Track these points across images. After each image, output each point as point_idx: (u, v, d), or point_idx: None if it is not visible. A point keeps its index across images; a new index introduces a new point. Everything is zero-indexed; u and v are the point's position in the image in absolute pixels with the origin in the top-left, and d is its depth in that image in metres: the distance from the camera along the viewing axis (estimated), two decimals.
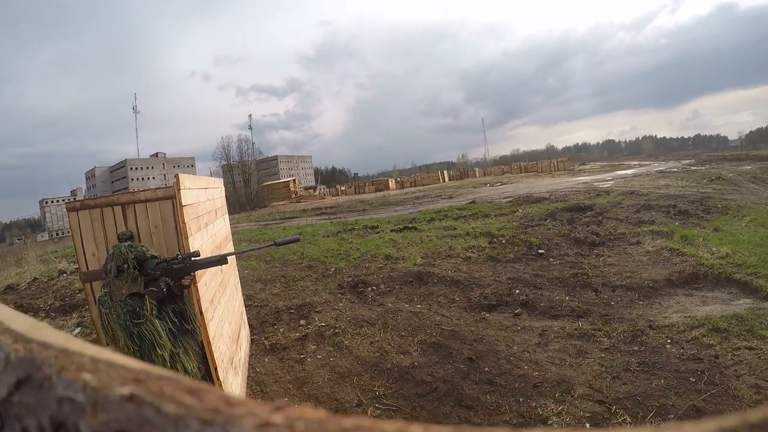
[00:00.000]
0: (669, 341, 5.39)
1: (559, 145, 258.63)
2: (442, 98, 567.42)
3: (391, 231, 15.42)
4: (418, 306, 7.85)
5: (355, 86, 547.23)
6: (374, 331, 6.94)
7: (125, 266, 3.21)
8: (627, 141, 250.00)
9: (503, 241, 11.35)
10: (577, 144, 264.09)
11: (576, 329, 6.00)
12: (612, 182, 22.77)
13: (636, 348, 5.32)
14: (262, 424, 0.24)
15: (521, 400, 4.59)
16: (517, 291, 7.73)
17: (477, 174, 71.17)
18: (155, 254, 3.46)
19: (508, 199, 20.04)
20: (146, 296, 3.21)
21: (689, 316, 6.01)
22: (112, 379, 0.32)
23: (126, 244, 3.35)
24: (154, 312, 3.21)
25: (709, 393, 4.34)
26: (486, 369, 5.33)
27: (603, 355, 5.26)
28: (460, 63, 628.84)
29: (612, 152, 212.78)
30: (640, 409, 4.18)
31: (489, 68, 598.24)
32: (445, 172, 70.52)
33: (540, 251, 10.07)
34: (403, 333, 6.73)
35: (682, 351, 5.15)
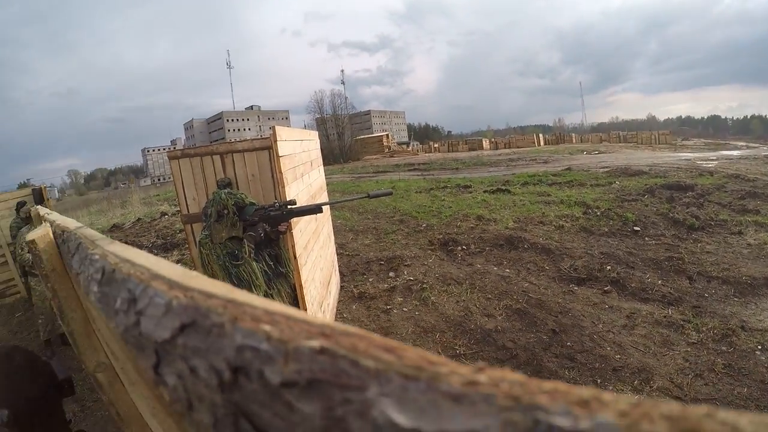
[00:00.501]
0: (760, 347, 5.13)
1: (661, 116, 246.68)
2: (538, 59, 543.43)
3: (484, 192, 15.44)
4: (507, 270, 7.90)
5: (448, 43, 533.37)
6: (461, 290, 7.07)
7: (225, 211, 3.43)
8: (734, 118, 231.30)
9: (598, 213, 11.14)
10: (680, 117, 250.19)
11: (665, 317, 5.88)
12: (716, 162, 21.47)
13: (724, 348, 5.12)
14: (469, 382, 0.24)
15: (599, 381, 4.62)
16: (609, 267, 7.61)
17: (573, 140, 68.37)
18: (253, 201, 3.66)
19: (605, 169, 19.39)
20: (244, 240, 3.42)
21: None
22: (295, 332, 0.33)
23: (226, 191, 3.59)
24: (251, 255, 3.43)
25: None
26: (568, 344, 5.36)
27: (689, 349, 5.13)
28: (556, 22, 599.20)
29: (717, 129, 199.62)
30: None
31: (587, 28, 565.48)
32: (541, 135, 68.16)
33: (635, 228, 9.82)
34: (490, 296, 6.83)
35: None
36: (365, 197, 3.99)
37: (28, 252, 5.31)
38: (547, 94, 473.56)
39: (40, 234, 1.24)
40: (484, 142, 62.20)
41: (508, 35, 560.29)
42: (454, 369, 0.26)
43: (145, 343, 0.49)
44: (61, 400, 1.58)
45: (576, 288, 7.04)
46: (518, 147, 56.16)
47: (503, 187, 15.84)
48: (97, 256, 0.73)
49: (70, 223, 1.31)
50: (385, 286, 7.43)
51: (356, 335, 0.31)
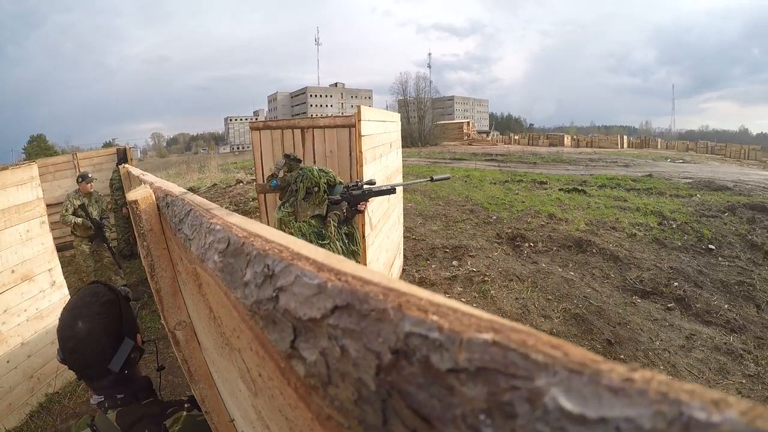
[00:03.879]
0: None
1: (755, 130, 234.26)
2: (632, 55, 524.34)
3: (560, 190, 15.25)
4: (571, 273, 7.87)
5: (540, 33, 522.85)
6: (522, 287, 7.11)
7: (315, 189, 3.39)
8: None
9: (673, 226, 10.86)
10: None
11: (725, 343, 5.73)
12: None
13: None
14: (626, 378, 0.26)
15: None
16: (676, 284, 7.44)
17: (659, 145, 65.91)
18: (342, 180, 3.62)
19: (687, 180, 18.65)
20: (329, 218, 3.39)
21: None
22: (465, 324, 0.34)
23: (317, 168, 3.51)
24: (336, 234, 3.40)
25: None
26: (621, 356, 5.35)
27: (744, 381, 4.99)
28: (656, 17, 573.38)
29: None
30: None
31: (688, 27, 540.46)
32: (625, 137, 65.69)
33: (710, 246, 9.50)
34: (550, 297, 6.85)
35: None
36: (429, 180, 3.94)
37: (73, 215, 5.68)
38: (636, 94, 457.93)
39: (142, 195, 1.29)
40: (565, 139, 61.03)
41: (603, 28, 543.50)
42: (613, 367, 0.27)
43: (280, 318, 0.51)
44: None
45: (639, 300, 6.94)
46: (600, 147, 54.61)
47: (579, 187, 15.61)
48: (218, 227, 0.77)
49: (172, 187, 1.39)
50: (447, 274, 7.53)
51: (525, 332, 0.33)
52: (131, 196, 1.29)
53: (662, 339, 5.80)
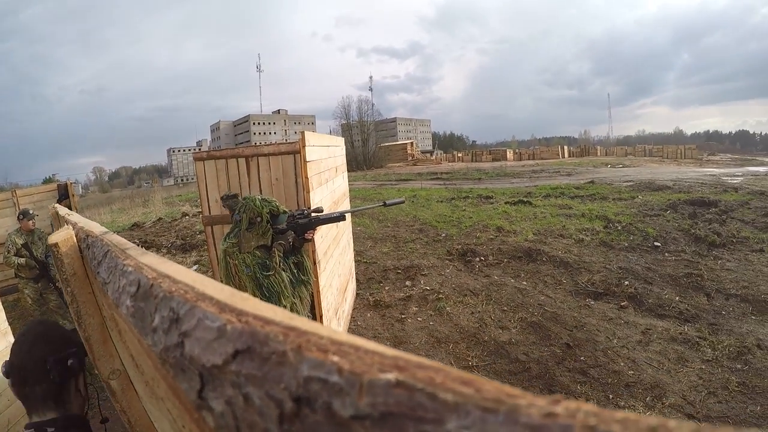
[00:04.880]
0: None
1: (688, 131, 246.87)
2: (568, 69, 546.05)
3: (506, 203, 15.49)
4: (524, 283, 7.89)
5: (477, 51, 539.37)
6: (477, 301, 7.07)
7: (258, 219, 3.30)
8: (763, 134, 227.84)
9: (619, 228, 11.12)
10: (708, 131, 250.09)
11: (680, 333, 5.82)
12: (742, 178, 21.21)
13: (739, 366, 5.06)
14: (547, 414, 0.25)
15: (611, 397, 4.60)
16: (627, 282, 7.57)
17: (598, 153, 68.68)
18: (286, 209, 3.54)
19: (628, 183, 19.32)
20: (274, 249, 3.31)
21: None
22: (367, 364, 0.33)
23: (260, 197, 3.43)
24: (281, 264, 3.31)
25: None
26: (582, 358, 5.34)
27: (703, 366, 5.07)
28: (589, 31, 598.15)
29: (745, 145, 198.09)
30: None
31: (620, 38, 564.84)
32: (566, 147, 68.19)
33: (656, 244, 9.74)
34: (505, 308, 6.82)
35: None
36: (382, 205, 3.88)
37: (15, 255, 5.34)
38: (574, 106, 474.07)
39: (63, 237, 1.23)
40: (508, 153, 62.17)
41: (539, 44, 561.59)
42: (532, 401, 0.26)
43: (187, 366, 0.48)
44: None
45: (592, 302, 7.00)
46: (542, 158, 56.10)
47: (525, 199, 15.87)
48: (130, 268, 0.73)
49: (94, 227, 1.31)
50: (401, 294, 7.45)
51: (432, 368, 0.31)
52: (52, 239, 1.26)
53: (619, 336, 5.84)
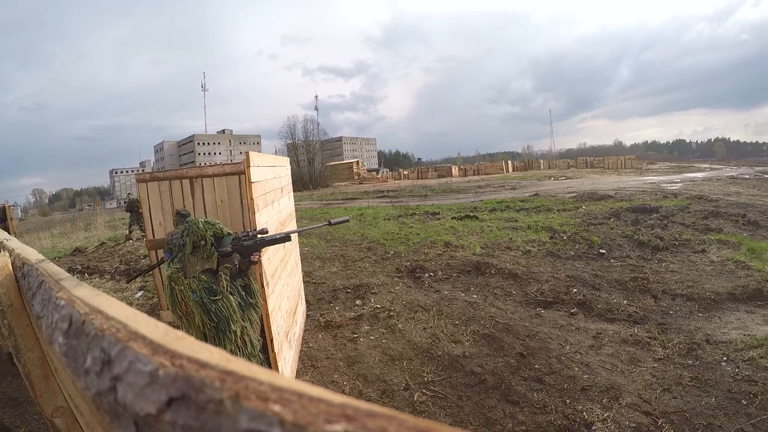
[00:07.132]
0: (725, 359, 5.21)
1: (628, 142, 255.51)
2: (511, 86, 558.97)
3: (452, 218, 15.62)
4: (474, 296, 7.88)
5: (422, 70, 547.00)
6: (428, 317, 7.01)
7: (202, 243, 3.22)
8: (698, 142, 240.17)
9: (564, 238, 11.33)
10: (646, 142, 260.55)
11: (631, 335, 5.92)
12: (680, 185, 22.13)
13: (690, 362, 5.18)
14: None
15: (568, 401, 4.57)
16: (575, 290, 7.68)
17: (542, 166, 70.73)
18: (230, 231, 3.47)
19: (571, 195, 19.80)
20: (221, 273, 3.23)
21: (749, 335, 5.79)
22: (312, 414, 0.31)
23: (203, 220, 3.35)
24: (228, 288, 3.25)
25: (759, 418, 4.17)
26: (536, 366, 5.33)
27: (656, 365, 5.15)
28: (531, 49, 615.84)
29: (682, 153, 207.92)
30: (687, 426, 4.09)
31: (561, 56, 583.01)
32: (509, 162, 70.21)
33: (601, 251, 9.95)
34: (457, 322, 6.78)
35: (737, 370, 4.96)
36: (327, 224, 3.93)
37: None
38: (518, 122, 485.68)
39: None
40: (453, 169, 63.35)
41: (482, 63, 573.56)
42: None
43: (122, 412, 0.44)
44: None
45: (543, 311, 7.04)
46: (487, 174, 57.43)
47: (471, 214, 16.01)
48: (63, 302, 0.68)
49: (31, 254, 1.24)
50: (352, 314, 7.33)
51: (384, 416, 0.28)
52: None
53: (572, 343, 5.87)
